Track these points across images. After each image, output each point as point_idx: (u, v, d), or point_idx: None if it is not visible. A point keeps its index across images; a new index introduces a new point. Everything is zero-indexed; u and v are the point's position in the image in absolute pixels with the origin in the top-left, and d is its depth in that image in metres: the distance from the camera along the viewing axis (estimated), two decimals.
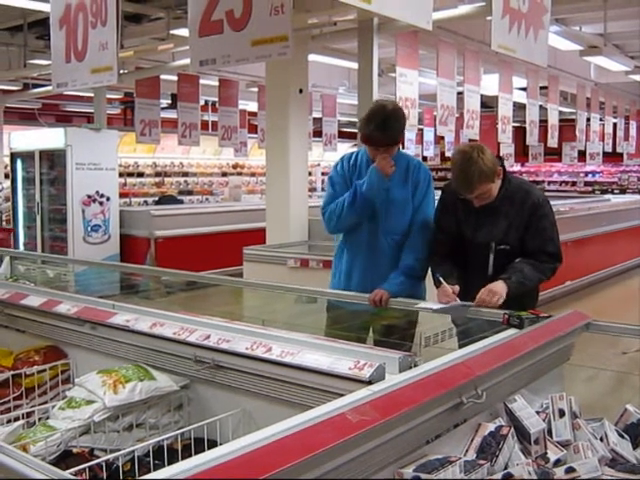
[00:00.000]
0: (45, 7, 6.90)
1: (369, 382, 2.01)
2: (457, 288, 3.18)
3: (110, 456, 2.21)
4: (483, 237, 3.36)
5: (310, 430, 1.59)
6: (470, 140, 13.69)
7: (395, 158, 3.68)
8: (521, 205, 3.31)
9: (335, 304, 3.85)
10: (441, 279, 3.20)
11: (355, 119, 9.52)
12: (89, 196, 9.99)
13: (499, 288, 3.06)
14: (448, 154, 15.79)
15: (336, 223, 3.72)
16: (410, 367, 2.11)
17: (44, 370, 2.99)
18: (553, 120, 11.88)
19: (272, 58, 3.88)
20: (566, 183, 22.65)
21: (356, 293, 3.65)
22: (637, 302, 7.32)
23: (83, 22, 4.78)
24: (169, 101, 13.64)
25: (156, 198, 14.78)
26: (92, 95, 11.96)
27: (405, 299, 3.48)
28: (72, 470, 1.95)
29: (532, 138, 11.32)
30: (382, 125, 3.56)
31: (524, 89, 11.10)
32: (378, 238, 3.74)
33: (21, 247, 10.83)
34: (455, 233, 3.46)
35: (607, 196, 15.78)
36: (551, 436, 2.18)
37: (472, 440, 2.06)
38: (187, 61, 9.05)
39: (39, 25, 9.86)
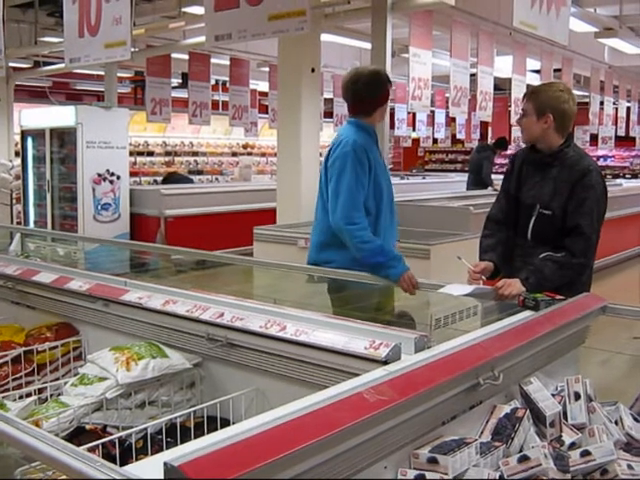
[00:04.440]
0: None
1: (385, 362, 1.99)
2: (482, 266, 3.19)
3: (123, 433, 2.21)
4: (530, 198, 3.31)
5: (326, 409, 1.57)
6: (482, 122, 13.64)
7: None
8: (570, 169, 3.23)
9: (344, 284, 3.85)
10: (465, 262, 3.18)
11: None
12: (99, 174, 9.98)
13: (514, 287, 2.95)
14: (459, 136, 15.71)
15: (356, 245, 3.66)
16: (425, 348, 2.10)
17: (56, 347, 2.98)
18: None
19: (289, 33, 3.83)
20: None
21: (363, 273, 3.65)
22: None
23: None
24: (180, 80, 13.60)
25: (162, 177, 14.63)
26: (103, 73, 11.94)
27: (422, 280, 3.47)
28: (85, 446, 1.94)
29: None
30: None
31: (537, 71, 11.01)
32: (395, 211, 3.90)
33: (31, 225, 10.85)
34: (513, 196, 3.43)
35: (619, 180, 15.70)
36: (566, 419, 2.16)
37: (487, 422, 2.04)
38: (198, 39, 9.05)
39: (50, 2, 9.83)
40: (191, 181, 13.78)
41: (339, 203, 3.61)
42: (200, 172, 16.57)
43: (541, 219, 3.27)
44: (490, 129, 13.85)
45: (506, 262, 3.34)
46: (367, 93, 3.74)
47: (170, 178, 13.35)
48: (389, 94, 3.86)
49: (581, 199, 3.18)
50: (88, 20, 4.87)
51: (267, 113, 12.45)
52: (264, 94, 13.00)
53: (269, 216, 8.14)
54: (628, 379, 3.09)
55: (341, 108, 12.92)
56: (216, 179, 16.54)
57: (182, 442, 1.98)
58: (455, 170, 22.60)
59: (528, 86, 10.20)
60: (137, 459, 2.09)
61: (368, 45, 8.04)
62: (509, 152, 13.28)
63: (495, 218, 3.50)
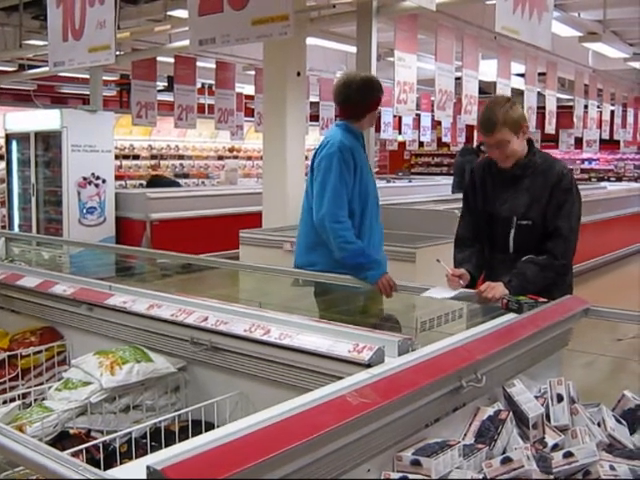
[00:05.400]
0: None
1: (368, 365, 2.00)
2: (462, 272, 3.19)
3: (107, 437, 2.21)
4: (506, 211, 3.29)
5: (310, 412, 1.57)
6: (467, 125, 13.69)
7: None
8: (544, 175, 3.23)
9: (329, 287, 3.87)
10: (444, 265, 3.20)
11: None
12: (85, 178, 9.94)
13: (497, 290, 2.98)
14: (445, 139, 15.75)
15: (339, 244, 3.68)
16: (408, 350, 2.11)
17: (40, 351, 2.97)
18: (551, 106, 11.85)
19: (273, 38, 3.83)
20: None
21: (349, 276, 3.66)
22: (633, 289, 7.34)
23: (80, 0, 4.72)
24: (165, 83, 13.57)
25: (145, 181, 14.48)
26: (88, 77, 11.88)
27: (407, 283, 3.49)
28: (69, 451, 1.94)
29: (529, 124, 11.27)
30: None
31: (522, 75, 11.06)
32: (379, 209, 3.93)
33: (16, 229, 10.79)
34: (482, 211, 3.40)
35: (603, 183, 15.78)
36: (549, 421, 2.17)
37: (471, 424, 2.05)
38: (184, 43, 9.05)
39: (35, 5, 9.76)
40: (177, 184, 13.70)
41: (324, 201, 3.64)
42: (186, 175, 16.52)
43: (521, 230, 3.27)
44: (476, 132, 13.90)
45: (481, 272, 3.36)
46: (358, 97, 3.76)
47: (154, 181, 13.25)
48: (380, 101, 3.87)
49: (560, 202, 3.20)
50: (72, 24, 4.85)
51: (253, 116, 12.45)
52: (250, 97, 12.98)
53: (255, 219, 8.13)
54: (611, 381, 3.13)
55: (327, 111, 12.95)
56: (202, 182, 16.51)
57: (166, 446, 1.98)
58: (441, 173, 22.64)
59: (513, 90, 10.30)
60: (121, 463, 2.08)
61: (353, 49, 8.06)
62: None
63: (464, 237, 3.48)
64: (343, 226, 3.63)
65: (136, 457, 2.11)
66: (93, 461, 2.08)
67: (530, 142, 3.32)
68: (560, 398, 2.22)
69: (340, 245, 3.63)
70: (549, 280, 3.14)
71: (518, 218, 3.27)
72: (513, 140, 3.20)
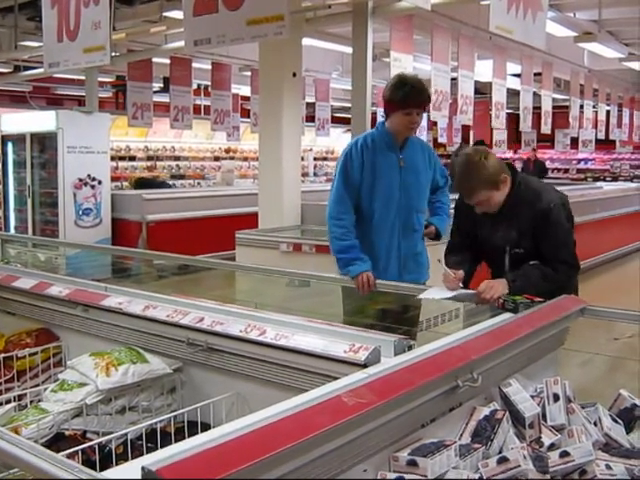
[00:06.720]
0: None
1: (364, 365, 2.00)
2: (461, 273, 3.15)
3: (103, 439, 2.20)
4: (498, 241, 3.27)
5: (305, 413, 1.57)
6: (463, 126, 13.71)
7: (411, 140, 3.85)
8: (530, 211, 3.17)
9: (326, 287, 3.88)
10: (444, 266, 3.18)
11: (348, 104, 9.49)
12: (80, 179, 9.93)
13: (499, 288, 2.95)
14: (441, 140, 15.75)
15: (330, 238, 3.78)
16: (405, 350, 2.11)
17: (36, 353, 2.97)
18: (546, 107, 11.87)
19: (268, 38, 3.84)
20: (558, 170, 22.67)
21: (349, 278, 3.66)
22: (629, 289, 7.34)
23: (75, 1, 4.71)
24: (161, 84, 13.55)
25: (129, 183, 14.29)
26: (83, 78, 11.86)
27: (409, 284, 3.48)
28: (64, 453, 1.93)
29: (525, 124, 11.29)
30: (418, 83, 3.64)
31: (518, 75, 11.07)
32: (411, 218, 3.85)
33: (12, 230, 10.78)
34: (472, 234, 3.39)
35: (599, 183, 15.80)
36: (545, 420, 2.17)
37: (467, 424, 2.05)
38: (179, 44, 9.03)
39: (30, 6, 9.73)
40: (167, 186, 13.60)
41: (330, 199, 3.77)
42: (182, 176, 16.52)
43: (516, 257, 3.25)
44: (472, 133, 13.91)
45: (472, 277, 3.34)
46: (384, 94, 3.75)
47: (140, 184, 13.12)
48: (401, 103, 3.62)
49: (551, 236, 3.17)
50: (67, 25, 4.84)
51: (249, 117, 12.43)
52: (246, 98, 12.97)
53: (251, 220, 8.13)
54: (607, 380, 3.13)
55: (323, 112, 12.95)
56: (198, 183, 16.51)
57: (163, 447, 1.97)
58: None
59: (508, 90, 10.30)
60: (117, 465, 2.07)
61: (349, 49, 8.06)
62: None
63: (457, 245, 3.47)
64: (338, 223, 3.72)
65: (132, 458, 2.11)
66: (89, 462, 2.07)
67: (513, 171, 3.23)
68: (556, 397, 2.21)
69: (331, 240, 3.76)
70: (550, 288, 3.11)
71: (511, 247, 3.26)
72: (494, 194, 3.14)
